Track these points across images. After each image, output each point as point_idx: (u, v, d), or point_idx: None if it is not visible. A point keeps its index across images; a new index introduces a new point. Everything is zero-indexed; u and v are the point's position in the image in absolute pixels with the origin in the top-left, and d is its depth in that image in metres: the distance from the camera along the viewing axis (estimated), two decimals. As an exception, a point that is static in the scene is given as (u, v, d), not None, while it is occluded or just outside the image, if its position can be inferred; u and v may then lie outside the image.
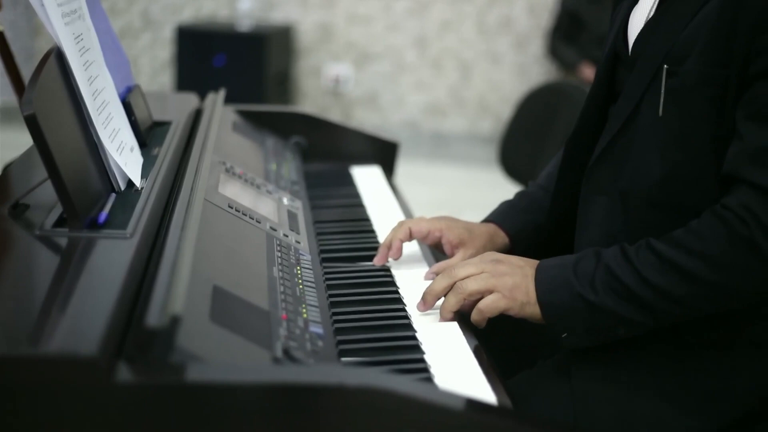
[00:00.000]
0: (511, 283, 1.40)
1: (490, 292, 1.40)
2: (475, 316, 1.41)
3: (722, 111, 1.34)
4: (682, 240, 1.32)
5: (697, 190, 1.38)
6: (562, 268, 1.40)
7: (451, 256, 1.64)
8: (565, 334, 1.39)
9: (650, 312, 1.34)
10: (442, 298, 1.45)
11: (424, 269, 1.62)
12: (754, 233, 1.27)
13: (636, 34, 1.47)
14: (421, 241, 1.68)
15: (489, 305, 1.39)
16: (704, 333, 1.39)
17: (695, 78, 1.34)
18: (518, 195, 1.78)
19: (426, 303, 1.46)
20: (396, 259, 1.65)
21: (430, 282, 1.51)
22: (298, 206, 1.85)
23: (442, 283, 1.44)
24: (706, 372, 1.39)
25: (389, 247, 1.64)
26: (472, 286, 1.41)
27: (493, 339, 1.47)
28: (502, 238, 1.69)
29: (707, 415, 1.37)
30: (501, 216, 1.73)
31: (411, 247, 1.72)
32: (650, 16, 1.45)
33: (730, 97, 1.33)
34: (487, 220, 1.73)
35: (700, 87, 1.34)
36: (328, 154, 2.31)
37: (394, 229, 1.66)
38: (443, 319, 1.43)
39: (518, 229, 1.70)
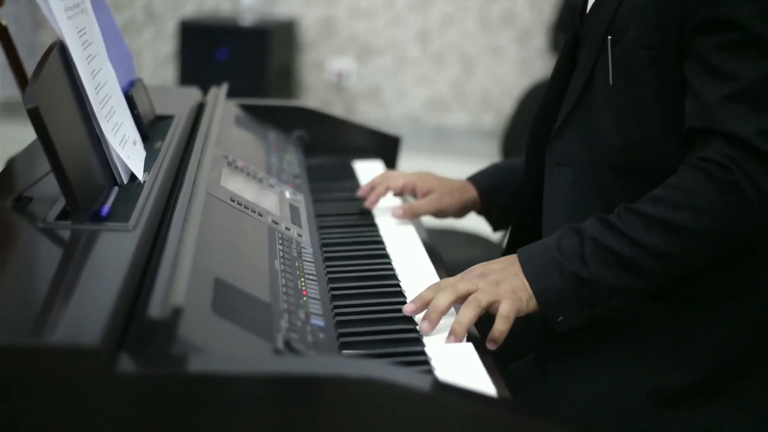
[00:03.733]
0: (509, 287, 1.39)
1: (498, 301, 1.38)
2: (502, 326, 1.36)
3: (665, 73, 1.40)
4: (665, 196, 1.36)
5: (654, 152, 1.43)
6: (546, 252, 1.41)
7: (423, 197, 1.86)
8: (561, 318, 1.39)
9: (645, 276, 1.36)
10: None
11: (425, 263, 1.63)
12: (738, 177, 1.32)
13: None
14: (398, 192, 1.90)
15: (510, 310, 1.37)
16: (676, 287, 1.43)
17: (636, 43, 1.41)
18: (503, 161, 1.94)
19: (432, 322, 1.38)
20: (371, 206, 1.88)
21: (430, 279, 1.53)
22: (300, 200, 1.86)
23: (447, 299, 1.38)
24: (681, 326, 1.43)
25: (372, 190, 1.88)
26: (486, 297, 1.37)
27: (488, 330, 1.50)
28: (471, 192, 1.86)
29: (685, 370, 1.41)
30: (478, 174, 1.90)
31: (412, 244, 1.75)
32: None
33: (671, 59, 1.39)
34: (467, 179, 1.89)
35: (642, 51, 1.41)
36: (330, 148, 2.32)
37: (377, 182, 1.89)
38: (458, 336, 1.36)
39: (487, 186, 1.86)
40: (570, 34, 1.62)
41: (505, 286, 1.39)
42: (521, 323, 1.40)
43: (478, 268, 1.45)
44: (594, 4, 1.52)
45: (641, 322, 1.45)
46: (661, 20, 1.39)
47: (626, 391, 1.42)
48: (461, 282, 1.41)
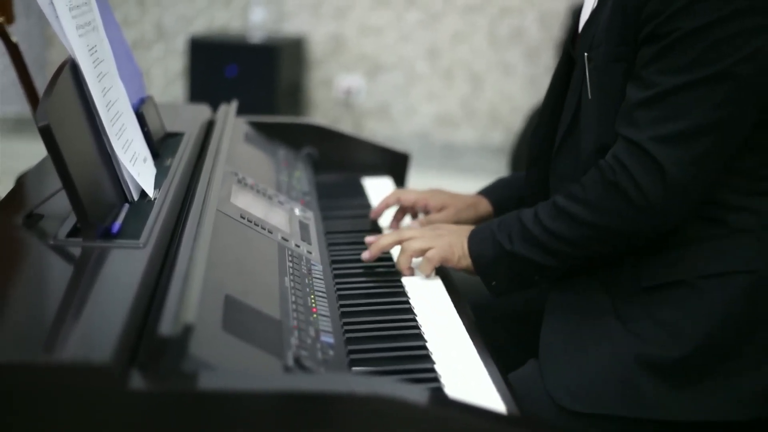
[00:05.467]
0: (447, 241, 1.62)
1: (431, 249, 1.62)
2: (423, 266, 1.63)
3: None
4: (573, 190, 1.50)
5: None
6: (489, 224, 1.61)
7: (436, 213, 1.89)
8: (494, 282, 1.57)
9: (553, 255, 1.52)
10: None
11: (434, 279, 1.64)
12: (620, 178, 1.43)
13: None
14: (410, 208, 1.92)
15: (434, 255, 1.62)
16: (662, 276, 1.48)
17: (606, 58, 1.48)
18: (509, 175, 2.01)
19: (371, 254, 1.68)
20: (376, 216, 1.93)
21: (439, 295, 1.57)
22: (310, 217, 1.86)
23: (388, 239, 1.67)
24: (667, 305, 1.47)
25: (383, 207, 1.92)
26: (415, 245, 1.64)
27: (498, 336, 1.54)
28: (485, 206, 1.91)
29: (672, 343, 1.43)
30: (489, 188, 1.97)
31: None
32: (588, 16, 1.58)
33: (633, 69, 1.46)
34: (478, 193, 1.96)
35: (611, 65, 1.48)
36: (339, 165, 2.32)
37: (387, 196, 1.92)
38: (403, 270, 1.64)
39: (498, 198, 1.92)
40: (562, 56, 1.67)
41: (445, 240, 1.63)
42: (520, 330, 1.44)
43: (438, 224, 1.73)
44: (584, 28, 1.58)
45: (628, 301, 1.49)
46: (623, 34, 1.45)
47: (615, 359, 1.44)
48: (409, 229, 1.69)
